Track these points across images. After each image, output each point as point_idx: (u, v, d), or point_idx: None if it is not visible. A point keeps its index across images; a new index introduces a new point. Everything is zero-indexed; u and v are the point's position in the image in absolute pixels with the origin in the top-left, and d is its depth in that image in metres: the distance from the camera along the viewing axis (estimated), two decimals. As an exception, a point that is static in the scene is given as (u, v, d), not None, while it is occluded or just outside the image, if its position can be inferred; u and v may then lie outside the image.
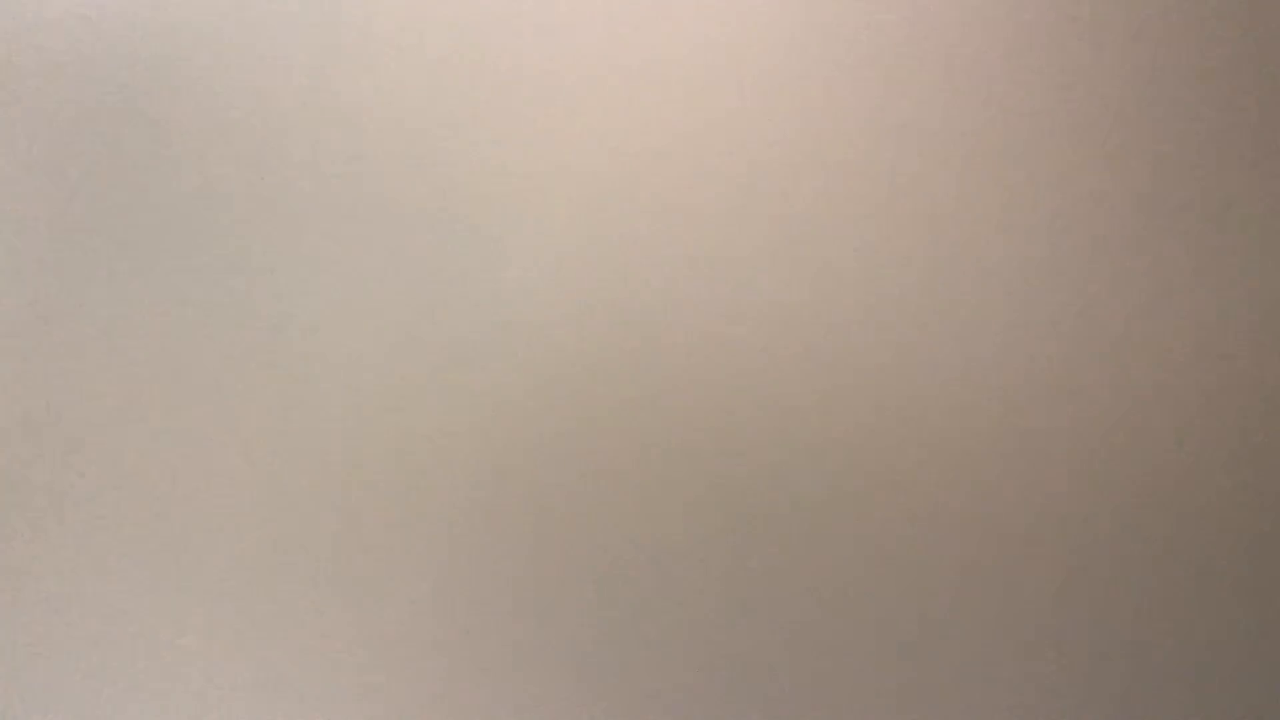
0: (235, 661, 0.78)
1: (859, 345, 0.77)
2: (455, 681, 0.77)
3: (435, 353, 0.79)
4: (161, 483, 0.79)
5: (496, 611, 0.77)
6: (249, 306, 0.80)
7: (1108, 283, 0.76)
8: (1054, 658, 0.74)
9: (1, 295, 0.81)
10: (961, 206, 0.77)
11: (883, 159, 0.77)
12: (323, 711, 0.78)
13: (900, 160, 0.77)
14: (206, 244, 0.80)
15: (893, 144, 0.77)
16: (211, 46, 0.82)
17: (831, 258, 0.77)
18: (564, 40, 0.80)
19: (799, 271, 0.77)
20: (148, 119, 0.81)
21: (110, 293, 0.81)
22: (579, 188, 0.79)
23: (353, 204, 0.80)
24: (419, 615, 0.78)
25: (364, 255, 0.80)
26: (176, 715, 0.78)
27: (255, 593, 0.78)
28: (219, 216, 0.80)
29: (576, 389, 0.78)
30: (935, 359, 0.76)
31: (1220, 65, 0.76)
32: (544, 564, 0.77)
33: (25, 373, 0.81)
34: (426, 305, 0.79)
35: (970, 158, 0.77)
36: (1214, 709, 0.74)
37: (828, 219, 0.77)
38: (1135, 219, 0.76)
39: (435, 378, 0.79)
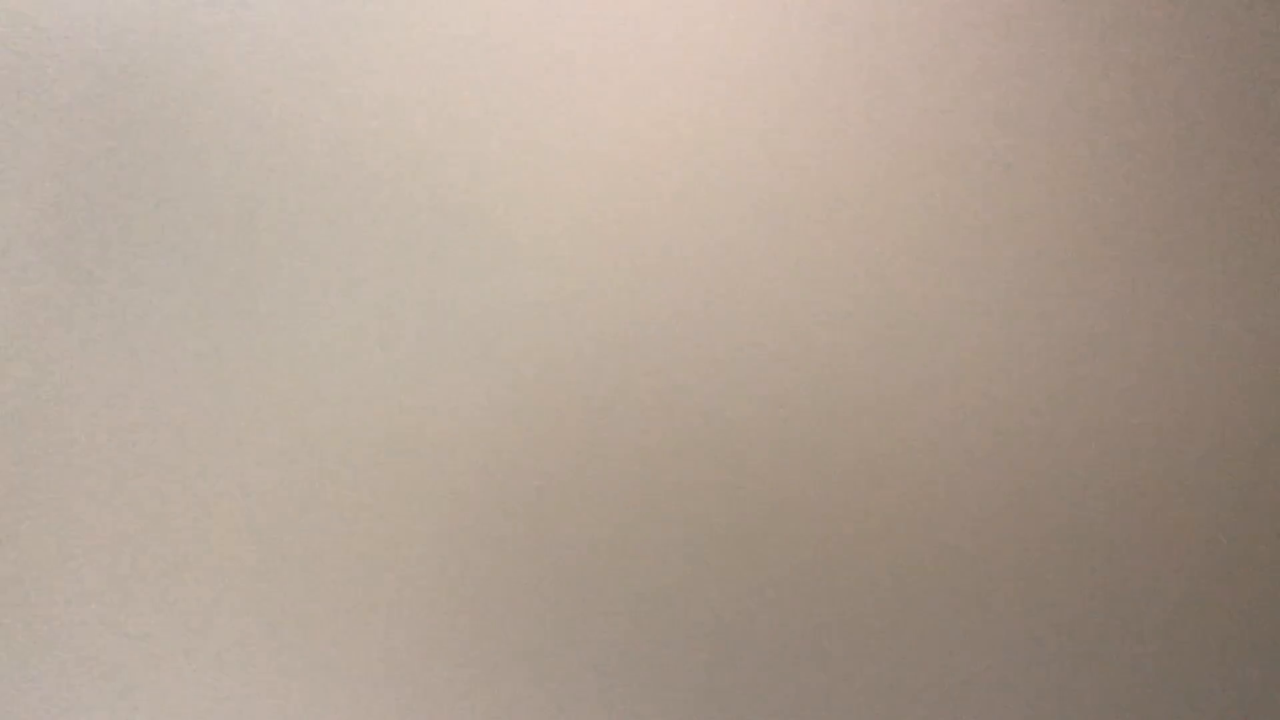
0: (234, 661, 0.78)
1: (864, 345, 0.77)
2: (454, 680, 0.77)
3: (436, 354, 0.79)
4: (161, 482, 0.79)
5: (496, 612, 0.77)
6: (248, 310, 0.80)
7: (1110, 284, 0.76)
8: (1053, 657, 0.75)
9: (3, 296, 0.81)
10: (964, 209, 0.77)
11: (887, 161, 0.78)
12: (322, 711, 0.78)
13: (904, 163, 0.77)
14: (206, 244, 0.81)
15: (897, 147, 0.78)
16: (213, 50, 0.82)
17: (835, 259, 0.77)
18: (564, 41, 0.80)
19: (801, 272, 0.77)
20: (150, 120, 0.82)
21: (111, 294, 0.81)
22: (579, 188, 0.79)
23: (353, 205, 0.80)
24: (418, 616, 0.78)
25: (364, 257, 0.80)
26: (176, 715, 0.78)
27: (254, 592, 0.78)
28: (218, 216, 0.81)
29: (576, 389, 0.78)
30: (939, 361, 0.76)
31: (1221, 66, 0.76)
32: (543, 564, 0.77)
33: (26, 373, 0.81)
34: (428, 307, 0.79)
35: (972, 160, 0.77)
36: (1216, 709, 0.74)
37: (830, 220, 0.78)
38: (1137, 221, 0.76)
39: (436, 379, 0.79)
